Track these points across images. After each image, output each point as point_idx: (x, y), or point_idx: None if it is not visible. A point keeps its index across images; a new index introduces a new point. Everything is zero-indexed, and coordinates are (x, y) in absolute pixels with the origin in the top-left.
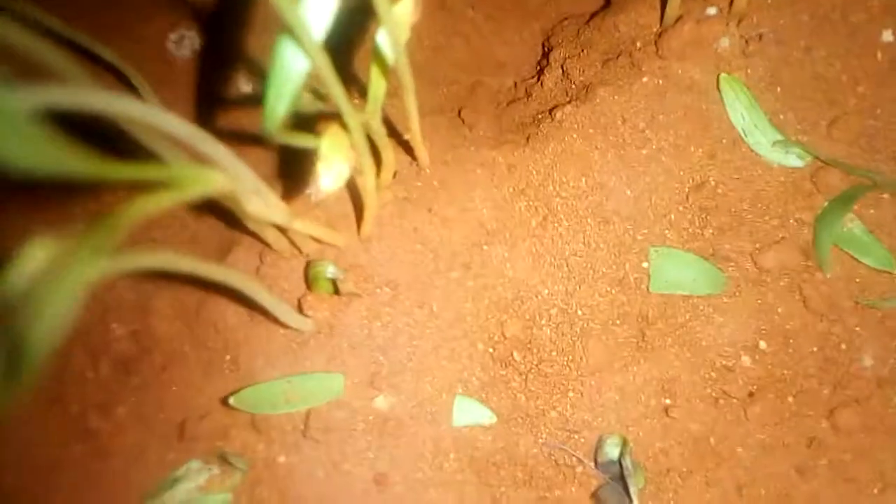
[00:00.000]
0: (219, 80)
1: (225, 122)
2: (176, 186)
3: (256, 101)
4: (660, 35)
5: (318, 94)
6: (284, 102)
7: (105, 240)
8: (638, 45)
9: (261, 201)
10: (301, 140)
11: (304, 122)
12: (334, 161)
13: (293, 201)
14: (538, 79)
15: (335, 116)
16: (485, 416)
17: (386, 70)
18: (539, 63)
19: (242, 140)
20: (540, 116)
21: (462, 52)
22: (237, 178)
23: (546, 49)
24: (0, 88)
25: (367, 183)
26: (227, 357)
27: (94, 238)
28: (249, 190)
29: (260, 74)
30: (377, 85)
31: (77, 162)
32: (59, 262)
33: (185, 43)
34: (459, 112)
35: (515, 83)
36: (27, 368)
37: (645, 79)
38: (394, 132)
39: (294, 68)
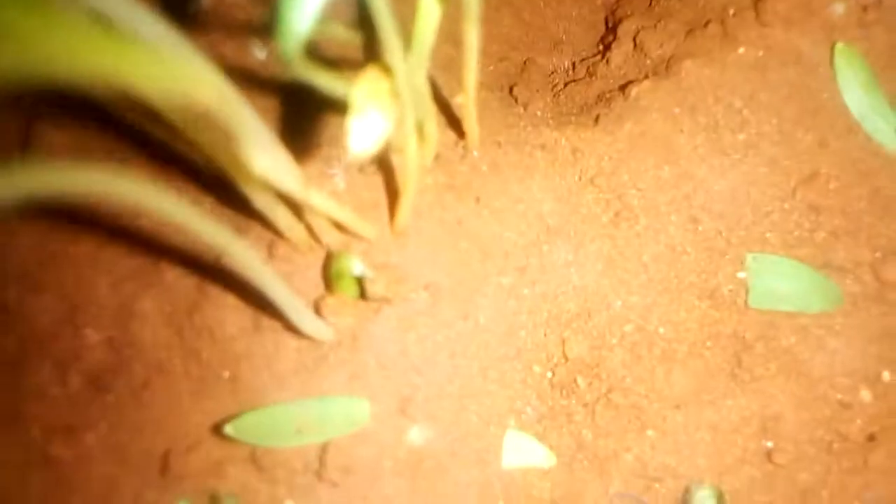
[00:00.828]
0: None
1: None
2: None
3: (257, 28)
4: None
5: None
6: (310, 12)
7: None
8: (731, 11)
9: (269, 157)
10: (327, 81)
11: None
12: (372, 114)
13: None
14: (603, 56)
15: (364, 60)
16: (542, 457)
17: None
18: (603, 40)
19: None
20: (609, 95)
21: (512, 26)
22: (235, 116)
23: (611, 24)
24: None
25: (409, 159)
26: (225, 373)
27: None
28: (252, 137)
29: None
30: (428, 17)
31: None
32: None
33: None
34: (511, 89)
35: (574, 63)
36: None
37: (741, 49)
38: (436, 100)
39: None
